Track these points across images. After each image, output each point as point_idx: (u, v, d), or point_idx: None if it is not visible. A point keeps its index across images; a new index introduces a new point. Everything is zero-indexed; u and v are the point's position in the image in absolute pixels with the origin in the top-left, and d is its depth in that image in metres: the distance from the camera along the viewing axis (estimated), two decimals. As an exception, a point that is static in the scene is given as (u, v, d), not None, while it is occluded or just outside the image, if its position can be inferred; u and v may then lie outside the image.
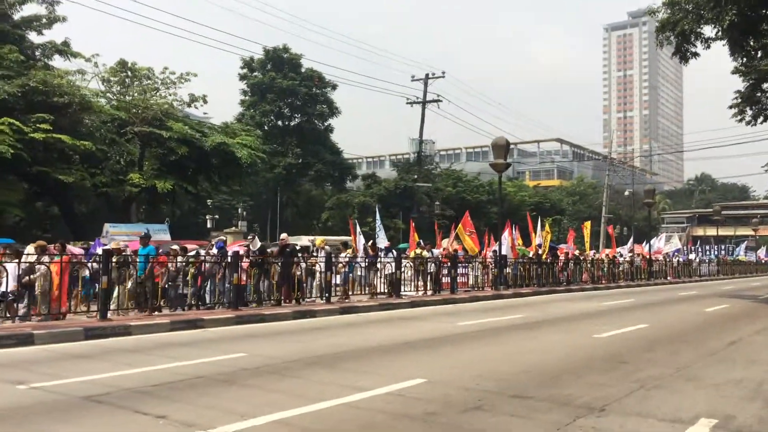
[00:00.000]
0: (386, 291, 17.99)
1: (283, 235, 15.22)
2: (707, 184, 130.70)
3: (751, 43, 22.06)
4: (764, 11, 19.37)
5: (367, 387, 6.72)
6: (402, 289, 19.53)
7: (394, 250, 19.34)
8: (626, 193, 58.63)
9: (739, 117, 29.91)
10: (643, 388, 7.06)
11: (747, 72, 28.53)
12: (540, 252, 27.25)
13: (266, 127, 42.31)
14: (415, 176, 40.29)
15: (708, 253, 61.47)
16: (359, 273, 18.00)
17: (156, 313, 12.35)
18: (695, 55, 24.78)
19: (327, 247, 16.28)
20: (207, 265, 13.05)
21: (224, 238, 13.54)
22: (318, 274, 15.52)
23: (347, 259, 16.92)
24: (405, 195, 42.01)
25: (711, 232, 76.48)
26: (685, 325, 14.06)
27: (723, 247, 69.13)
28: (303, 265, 14.89)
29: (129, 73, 42.16)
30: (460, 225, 25.09)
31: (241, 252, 13.51)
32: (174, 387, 6.67)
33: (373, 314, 15.24)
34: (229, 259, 12.85)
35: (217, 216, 41.26)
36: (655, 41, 24.90)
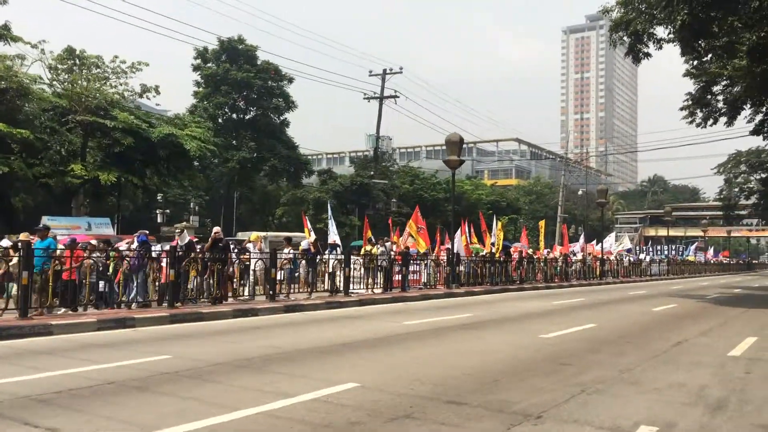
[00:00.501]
0: (328, 289, 17.43)
1: (216, 229, 14.52)
2: (660, 186, 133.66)
3: (702, 44, 22.23)
4: (715, 13, 19.47)
5: (293, 393, 6.26)
6: (352, 287, 19.13)
7: (338, 247, 18.80)
8: (579, 192, 59.36)
9: (689, 119, 30.39)
10: (584, 393, 6.77)
11: (698, 74, 28.97)
12: (493, 250, 27.12)
13: (220, 120, 41.29)
14: (372, 173, 39.86)
15: (659, 253, 62.63)
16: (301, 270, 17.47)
17: (70, 311, 11.58)
18: (647, 55, 24.90)
19: (262, 243, 15.65)
20: (128, 260, 12.27)
21: (147, 232, 12.73)
22: (252, 272, 14.85)
23: (290, 256, 16.37)
24: (361, 192, 41.52)
25: (662, 232, 78.14)
26: (632, 325, 13.96)
27: (673, 247, 70.62)
28: (236, 261, 14.24)
29: (77, 60, 40.79)
30: (410, 221, 24.78)
31: (168, 247, 12.85)
32: (78, 394, 6.09)
33: (318, 313, 14.76)
34: (154, 254, 12.15)
35: (168, 211, 40.19)
36: (608, 41, 24.96)
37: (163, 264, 12.35)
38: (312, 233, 23.75)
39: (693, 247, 67.64)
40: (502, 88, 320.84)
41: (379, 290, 19.46)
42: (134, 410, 5.54)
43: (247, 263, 15.27)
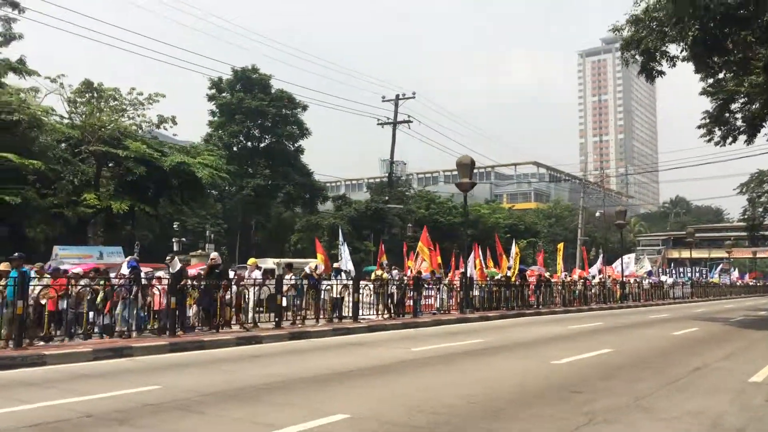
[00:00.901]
0: (329, 316, 17.00)
1: (214, 254, 14.27)
2: (682, 207, 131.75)
3: (716, 61, 21.82)
4: (727, 29, 19.11)
5: (279, 425, 5.93)
6: (362, 313, 18.77)
7: (343, 272, 18.44)
8: (597, 214, 58.51)
9: (707, 137, 29.75)
10: (592, 422, 6.35)
11: (715, 92, 28.46)
12: (509, 274, 26.60)
13: (235, 148, 41.46)
14: (387, 198, 39.64)
15: (682, 275, 61.38)
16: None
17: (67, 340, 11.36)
18: (661, 73, 24.53)
19: (256, 271, 15.31)
20: (117, 287, 11.92)
21: (136, 257, 12.49)
22: (247, 298, 14.45)
23: (292, 282, 16.04)
24: (376, 217, 41.28)
25: (686, 254, 76.77)
26: (651, 349, 13.41)
27: (697, 269, 69.22)
28: (234, 288, 13.89)
29: (95, 93, 41.40)
30: (420, 244, 24.40)
31: (160, 274, 12.65)
32: (57, 428, 5.81)
33: (325, 340, 14.39)
34: (143, 281, 11.86)
35: (184, 239, 40.20)
36: (620, 59, 24.66)
37: (156, 291, 12.11)
38: (324, 258, 23.50)
39: (718, 269, 66.24)
40: (519, 112, 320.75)
41: (387, 316, 19.05)
42: (107, 445, 5.25)
43: (245, 290, 14.86)
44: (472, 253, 26.11)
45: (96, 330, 11.90)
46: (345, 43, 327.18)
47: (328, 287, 17.07)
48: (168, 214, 30.66)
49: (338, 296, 17.12)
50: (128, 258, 12.21)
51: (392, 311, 19.38)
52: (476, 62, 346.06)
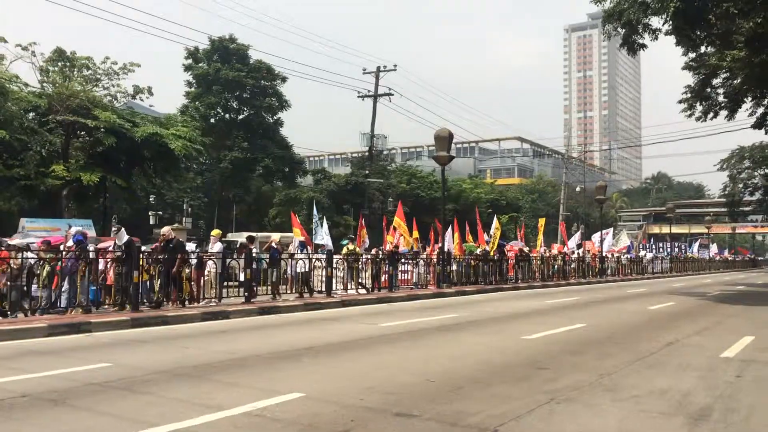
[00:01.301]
0: (299, 291, 16.67)
1: (165, 229, 13.63)
2: (664, 183, 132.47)
3: (698, 34, 21.49)
4: (709, 2, 18.76)
5: (226, 405, 5.62)
6: (336, 288, 18.53)
7: (308, 247, 18.02)
8: (577, 189, 58.43)
9: (688, 112, 29.50)
10: (553, 401, 6.11)
11: (697, 67, 28.18)
12: (487, 248, 26.43)
13: (212, 120, 40.62)
14: (367, 172, 39.17)
15: (662, 250, 61.78)
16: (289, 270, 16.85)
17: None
18: (643, 46, 24.20)
19: (218, 244, 14.83)
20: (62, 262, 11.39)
21: (81, 230, 11.93)
22: (207, 272, 14.04)
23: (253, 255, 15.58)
24: (356, 191, 40.84)
25: (666, 230, 77.19)
26: (624, 324, 13.27)
27: (676, 244, 69.72)
28: (193, 262, 13.46)
29: (67, 62, 40.24)
30: (395, 218, 24.09)
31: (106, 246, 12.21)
32: (-18, 409, 5.46)
33: (295, 315, 14.11)
34: (91, 255, 11.34)
35: (161, 213, 39.64)
36: (601, 32, 24.28)
37: (103, 266, 11.64)
38: (302, 232, 23.12)
39: (696, 244, 66.78)
40: (504, 87, 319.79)
41: (363, 291, 18.80)
42: (32, 428, 4.91)
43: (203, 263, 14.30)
44: (450, 227, 25.86)
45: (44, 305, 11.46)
46: (325, 14, 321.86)
47: (297, 262, 16.68)
48: (143, 188, 29.98)
49: (305, 270, 16.70)
50: (74, 231, 11.63)
51: (365, 286, 19.12)
52: (463, 37, 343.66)
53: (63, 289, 11.23)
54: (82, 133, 24.33)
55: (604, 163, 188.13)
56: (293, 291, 17.01)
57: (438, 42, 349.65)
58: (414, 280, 22.42)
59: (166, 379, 6.80)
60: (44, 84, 29.69)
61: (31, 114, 24.34)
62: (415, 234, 24.90)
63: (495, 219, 29.62)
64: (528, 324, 12.91)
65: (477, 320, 13.59)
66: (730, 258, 75.15)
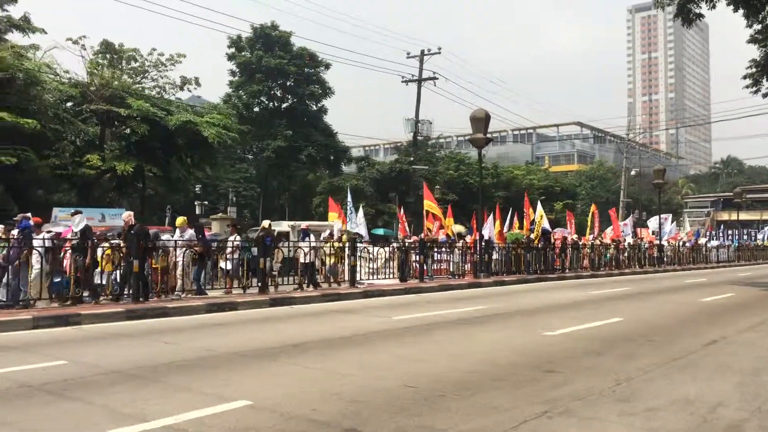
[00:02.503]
0: (298, 283, 15.52)
1: (126, 214, 12.52)
2: (734, 167, 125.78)
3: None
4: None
5: (152, 416, 4.84)
6: (371, 278, 17.80)
7: (311, 234, 17.05)
8: (632, 172, 55.57)
9: (753, 88, 27.24)
10: (546, 414, 5.09)
11: (763, 39, 25.94)
12: (531, 236, 25.05)
13: (256, 109, 40.34)
14: (411, 158, 38.11)
15: (729, 238, 58.28)
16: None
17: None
18: (699, 16, 22.47)
19: (189, 231, 13.86)
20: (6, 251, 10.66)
21: (29, 216, 11.15)
22: (178, 264, 13.07)
23: (237, 243, 14.61)
24: (401, 179, 39.86)
25: (735, 216, 73.11)
26: (668, 318, 11.92)
27: (746, 231, 65.76)
28: (173, 252, 12.64)
29: (113, 55, 40.68)
30: (425, 200, 22.99)
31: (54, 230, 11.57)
32: None
33: (310, 306, 13.33)
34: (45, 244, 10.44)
35: (206, 202, 39.68)
36: (655, 3, 22.53)
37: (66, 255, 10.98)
38: (341, 217, 22.37)
39: (767, 231, 62.84)
40: (565, 73, 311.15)
41: (390, 280, 17.91)
42: None
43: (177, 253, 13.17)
44: (492, 214, 24.65)
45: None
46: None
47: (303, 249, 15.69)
48: (186, 177, 29.84)
49: (310, 261, 15.71)
50: (20, 217, 10.90)
51: (395, 275, 18.24)
52: (518, 23, 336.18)
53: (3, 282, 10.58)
54: (117, 122, 24.20)
55: (671, 148, 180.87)
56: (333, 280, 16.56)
57: (488, 29, 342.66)
58: (451, 270, 21.40)
59: (111, 381, 6.09)
60: (93, 76, 29.91)
61: (68, 104, 24.38)
62: (449, 221, 23.77)
63: (539, 205, 28.09)
64: (558, 318, 11.73)
65: (503, 313, 12.50)
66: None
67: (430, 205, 22.60)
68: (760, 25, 25.04)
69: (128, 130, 23.80)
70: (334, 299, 14.44)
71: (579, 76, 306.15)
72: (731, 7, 22.44)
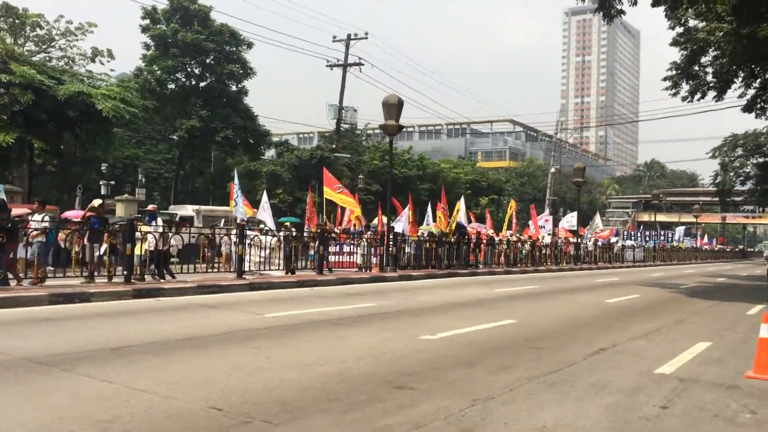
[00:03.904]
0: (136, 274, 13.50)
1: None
2: (657, 171, 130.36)
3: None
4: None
5: None
6: (262, 268, 16.50)
7: (158, 219, 15.61)
8: (552, 170, 56.11)
9: (672, 90, 27.28)
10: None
11: (684, 42, 25.96)
12: (446, 231, 24.29)
13: (172, 86, 38.02)
14: (333, 146, 36.76)
15: (648, 238, 59.77)
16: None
17: None
18: (620, 12, 22.13)
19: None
20: None
21: None
22: (26, 247, 11.42)
23: (43, 225, 12.42)
24: (322, 166, 38.46)
25: (654, 217, 75.33)
26: (563, 321, 11.19)
27: (663, 233, 67.78)
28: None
29: (16, 19, 37.53)
30: (325, 187, 21.87)
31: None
32: None
33: (180, 299, 11.95)
34: None
35: (113, 182, 37.18)
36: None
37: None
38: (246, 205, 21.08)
39: (680, 232, 64.89)
40: (501, 71, 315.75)
41: (281, 272, 16.72)
42: None
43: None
44: (407, 206, 23.76)
45: None
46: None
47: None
48: (76, 152, 27.58)
49: (161, 248, 14.10)
50: None
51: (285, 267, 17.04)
52: (464, 22, 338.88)
53: None
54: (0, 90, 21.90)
55: (600, 149, 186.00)
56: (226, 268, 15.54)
57: (430, 23, 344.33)
58: (358, 263, 20.37)
59: None
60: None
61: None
62: (357, 212, 22.71)
63: (461, 199, 27.41)
64: (447, 318, 10.81)
65: (391, 312, 11.48)
66: (717, 248, 73.37)
67: (329, 192, 21.41)
68: (682, 28, 25.12)
69: (6, 99, 21.48)
70: (214, 291, 13.12)
71: (517, 74, 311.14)
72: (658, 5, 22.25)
